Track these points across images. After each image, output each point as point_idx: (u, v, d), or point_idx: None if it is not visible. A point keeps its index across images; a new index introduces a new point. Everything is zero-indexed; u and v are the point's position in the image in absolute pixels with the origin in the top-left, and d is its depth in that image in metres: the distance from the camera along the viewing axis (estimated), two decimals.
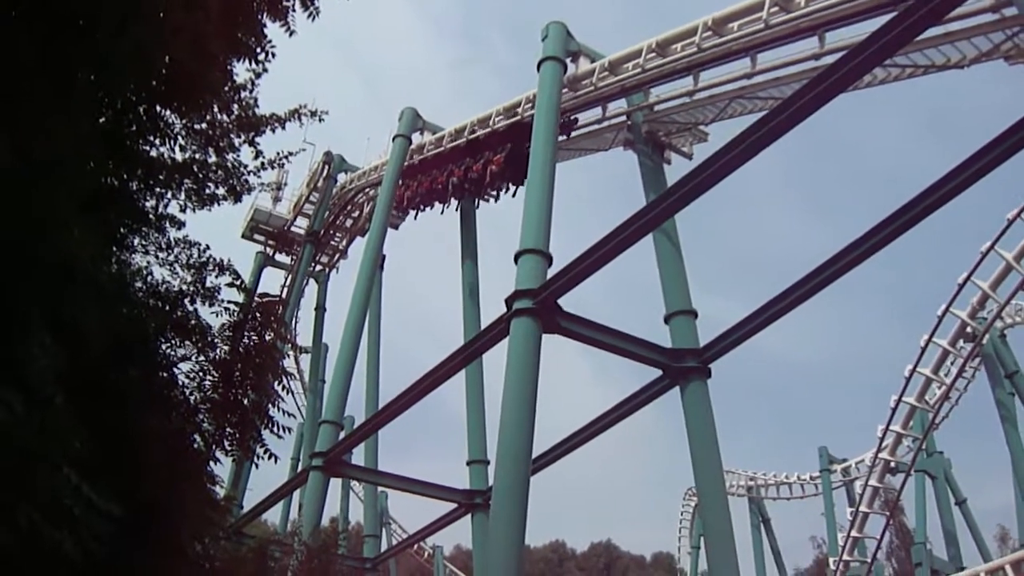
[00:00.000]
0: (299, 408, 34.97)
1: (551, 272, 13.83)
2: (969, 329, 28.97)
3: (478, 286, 24.60)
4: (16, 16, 4.32)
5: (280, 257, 35.47)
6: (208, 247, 6.47)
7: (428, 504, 21.74)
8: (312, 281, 34.42)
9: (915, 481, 31.32)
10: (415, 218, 26.88)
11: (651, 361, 14.80)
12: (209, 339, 6.06)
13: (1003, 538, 46.65)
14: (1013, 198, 25.59)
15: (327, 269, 34.66)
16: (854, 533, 31.45)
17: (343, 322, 21.86)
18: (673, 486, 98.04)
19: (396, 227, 28.82)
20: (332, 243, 33.81)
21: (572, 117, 19.17)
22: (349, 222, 32.46)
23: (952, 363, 30.39)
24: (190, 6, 5.10)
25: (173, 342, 6.01)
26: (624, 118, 18.92)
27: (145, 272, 6.27)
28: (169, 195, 6.56)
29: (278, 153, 7.47)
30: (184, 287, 6.25)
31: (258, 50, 6.31)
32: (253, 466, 6.78)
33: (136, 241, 6.32)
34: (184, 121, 6.32)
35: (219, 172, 6.86)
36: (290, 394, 15.28)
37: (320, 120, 7.85)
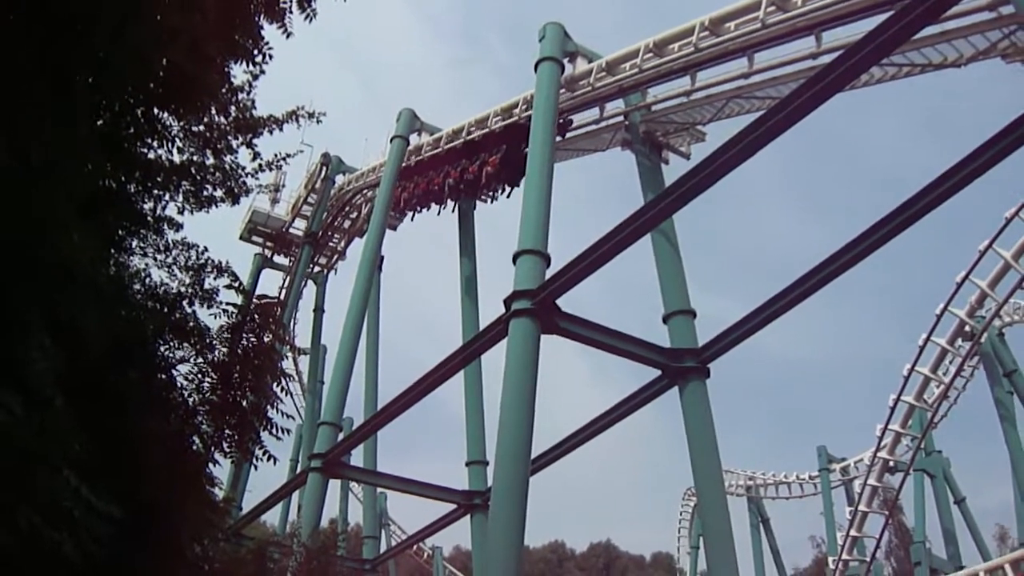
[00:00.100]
0: (298, 409, 35.00)
1: (549, 272, 13.84)
2: (967, 328, 29.03)
3: (476, 287, 24.62)
4: (14, 18, 4.32)
5: (278, 259, 35.46)
6: (206, 249, 6.47)
7: (427, 505, 21.78)
8: (310, 282, 34.38)
9: (914, 480, 31.36)
10: (411, 219, 26.92)
11: (650, 361, 14.81)
12: (208, 341, 6.07)
13: (1002, 537, 46.67)
14: (1011, 196, 25.69)
15: (325, 270, 34.62)
16: (853, 532, 31.50)
17: (342, 323, 21.90)
18: (672, 486, 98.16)
19: (394, 228, 28.82)
20: (330, 244, 33.78)
21: (567, 118, 19.18)
22: (347, 223, 32.45)
23: (951, 362, 30.45)
24: (187, 9, 5.11)
25: (172, 344, 6.01)
26: (622, 118, 18.93)
27: (143, 274, 6.27)
28: (167, 197, 6.56)
29: (276, 155, 7.46)
30: (182, 289, 6.26)
31: (255, 52, 6.31)
32: (252, 468, 6.76)
33: (134, 243, 6.32)
34: (182, 123, 6.33)
35: (217, 174, 6.86)
36: (289, 396, 15.31)
37: (318, 121, 7.85)
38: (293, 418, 30.42)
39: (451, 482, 21.37)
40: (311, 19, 6.32)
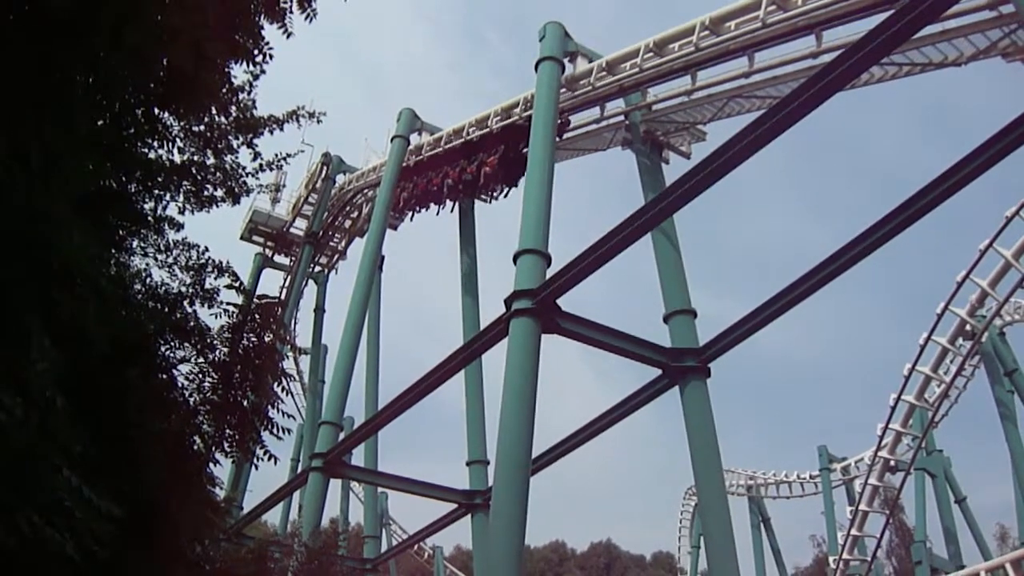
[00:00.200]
0: (299, 409, 34.97)
1: (550, 272, 13.83)
2: (968, 327, 28.99)
3: (477, 286, 24.62)
4: (15, 20, 4.33)
5: (279, 258, 35.43)
6: (207, 249, 6.49)
7: (428, 505, 21.77)
8: (311, 282, 34.37)
9: (915, 479, 31.30)
10: (411, 219, 26.93)
11: (650, 361, 14.80)
12: (208, 341, 6.08)
13: (1003, 536, 46.58)
14: (1011, 195, 25.66)
15: (326, 270, 34.61)
16: (854, 532, 31.46)
17: (342, 323, 21.88)
18: (673, 485, 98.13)
19: (395, 228, 28.80)
20: (331, 244, 33.77)
21: (566, 118, 19.17)
22: (348, 223, 32.43)
23: (951, 361, 30.38)
24: (187, 9, 5.11)
25: (172, 344, 6.02)
26: (622, 118, 18.93)
27: (144, 274, 6.29)
28: (168, 197, 6.57)
29: (276, 154, 7.48)
30: (183, 289, 6.27)
31: (256, 52, 6.31)
32: (253, 467, 6.78)
33: (135, 243, 6.33)
34: (182, 123, 6.34)
35: (217, 174, 6.87)
36: (289, 395, 15.25)
37: (318, 121, 7.87)
38: (294, 418, 30.43)
39: (452, 482, 21.40)
40: (311, 19, 6.32)
